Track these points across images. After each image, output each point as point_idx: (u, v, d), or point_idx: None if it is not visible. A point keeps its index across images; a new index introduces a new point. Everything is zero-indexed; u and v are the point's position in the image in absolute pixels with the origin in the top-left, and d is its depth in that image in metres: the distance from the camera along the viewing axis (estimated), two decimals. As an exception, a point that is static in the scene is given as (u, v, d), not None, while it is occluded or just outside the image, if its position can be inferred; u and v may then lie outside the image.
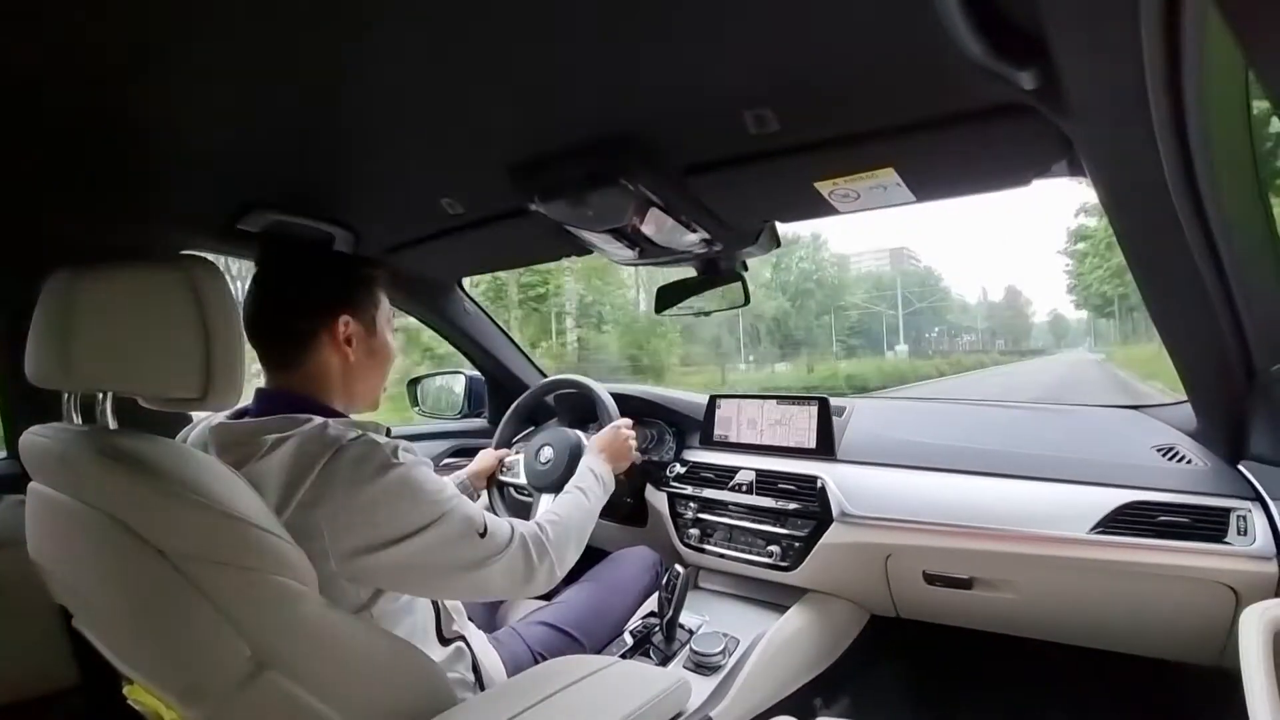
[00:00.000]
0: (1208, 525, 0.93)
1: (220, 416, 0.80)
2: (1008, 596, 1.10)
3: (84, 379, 0.66)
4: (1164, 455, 1.05)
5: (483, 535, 0.78)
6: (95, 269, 0.64)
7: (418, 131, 0.85)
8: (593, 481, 1.08)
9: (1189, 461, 1.03)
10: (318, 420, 0.73)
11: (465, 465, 1.59)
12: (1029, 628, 1.17)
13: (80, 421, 0.78)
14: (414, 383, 1.92)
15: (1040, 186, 0.87)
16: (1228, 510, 0.93)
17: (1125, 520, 0.97)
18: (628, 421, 1.30)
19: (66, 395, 0.79)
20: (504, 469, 1.45)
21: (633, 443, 1.27)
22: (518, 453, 1.45)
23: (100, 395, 0.73)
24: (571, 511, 0.96)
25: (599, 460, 1.15)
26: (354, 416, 0.85)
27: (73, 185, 0.95)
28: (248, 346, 0.77)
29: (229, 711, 0.63)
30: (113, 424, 0.73)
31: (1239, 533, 0.91)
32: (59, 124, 0.77)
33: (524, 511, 1.39)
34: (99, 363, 0.63)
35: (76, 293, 0.63)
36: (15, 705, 1.01)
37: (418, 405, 1.91)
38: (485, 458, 1.45)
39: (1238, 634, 0.57)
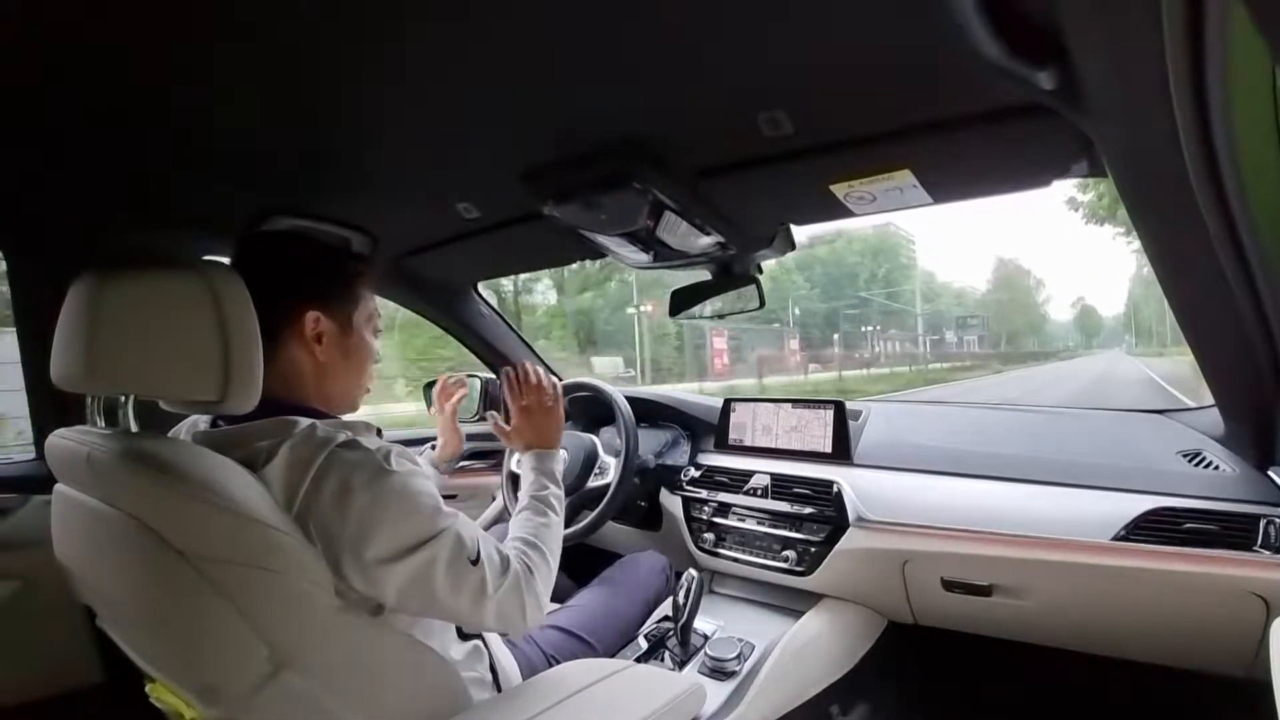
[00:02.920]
0: (1236, 533, 0.90)
1: (202, 423, 0.79)
2: (1028, 604, 1.08)
3: (107, 382, 0.67)
4: (1190, 461, 1.03)
5: (474, 563, 0.72)
6: (118, 274, 0.65)
7: (434, 137, 0.86)
8: (547, 485, 0.96)
9: (1216, 467, 1.00)
10: (305, 423, 0.70)
11: (480, 468, 1.57)
12: (1050, 636, 1.15)
13: (103, 423, 0.80)
14: (429, 386, 1.93)
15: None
16: (1257, 517, 0.90)
17: (1150, 527, 0.95)
18: (527, 366, 1.09)
19: (90, 398, 0.81)
20: (521, 463, 1.44)
21: (543, 379, 1.07)
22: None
23: (122, 398, 0.75)
24: (540, 538, 0.87)
25: (534, 456, 1.00)
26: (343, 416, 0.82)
27: (97, 191, 0.98)
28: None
29: (247, 711, 0.64)
30: (134, 426, 0.74)
31: (1269, 540, 0.88)
32: (84, 131, 0.79)
33: None
34: (122, 366, 0.64)
35: (100, 297, 0.64)
36: (42, 702, 1.03)
37: (432, 408, 1.92)
38: (448, 434, 1.34)
39: (1269, 645, 0.56)
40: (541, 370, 1.08)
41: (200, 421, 0.80)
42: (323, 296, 0.79)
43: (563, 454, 1.02)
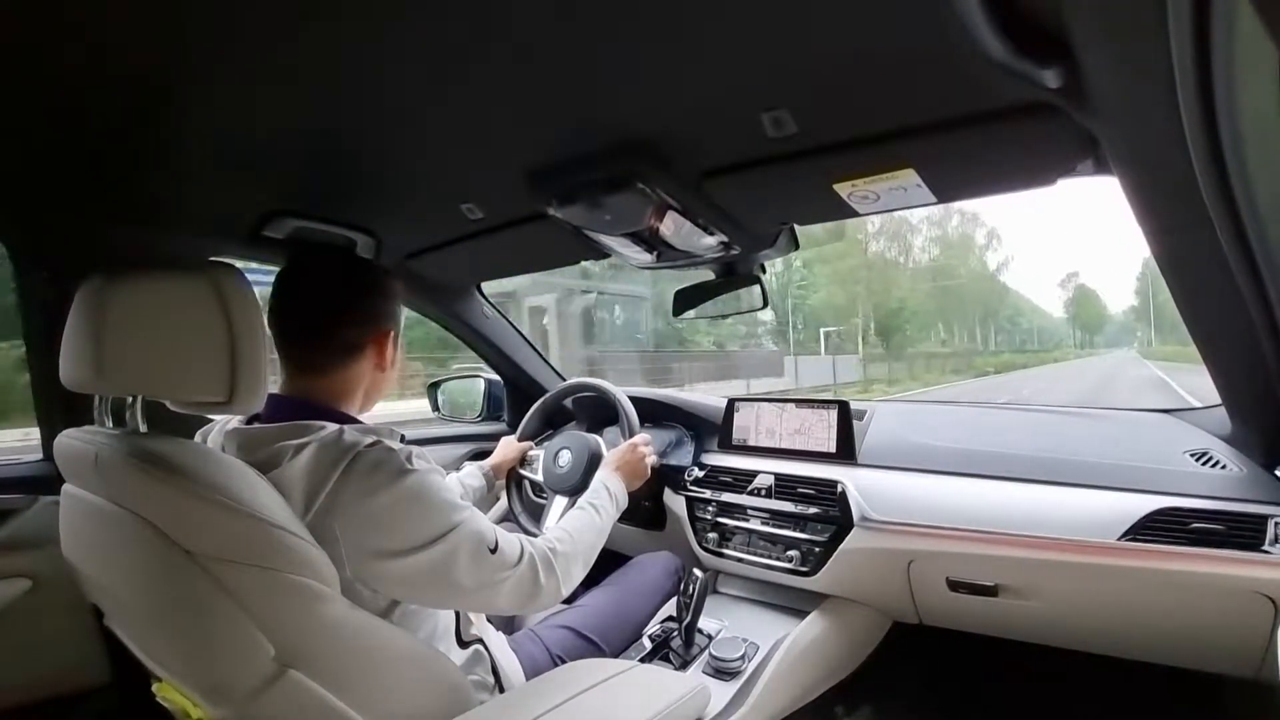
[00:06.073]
0: (1244, 533, 0.90)
1: (236, 421, 0.81)
2: (1034, 604, 1.08)
3: (115, 383, 0.67)
4: (1197, 460, 1.02)
5: (493, 551, 0.78)
6: (126, 275, 0.66)
7: (439, 139, 0.86)
8: (606, 499, 1.07)
9: (1224, 467, 1.00)
10: (332, 427, 0.74)
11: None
12: (1056, 636, 1.14)
13: (111, 424, 0.80)
14: (434, 386, 1.94)
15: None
16: (1265, 517, 0.90)
17: (1157, 527, 0.94)
18: (645, 438, 1.29)
19: (98, 399, 0.81)
20: (525, 463, 1.46)
21: (650, 459, 1.26)
22: (540, 447, 1.45)
23: (130, 399, 0.75)
24: (583, 531, 0.96)
25: (615, 477, 1.14)
26: (365, 419, 0.85)
27: (104, 193, 0.98)
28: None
29: (253, 710, 0.64)
30: (143, 427, 0.75)
31: (1277, 541, 0.88)
32: (91, 133, 0.80)
33: (538, 511, 1.40)
34: (130, 367, 0.65)
35: (108, 299, 0.64)
36: (50, 701, 1.04)
37: (438, 409, 1.93)
38: (509, 448, 1.45)
39: (1277, 645, 0.55)
40: (651, 449, 1.28)
41: (234, 420, 0.82)
42: (395, 318, 0.88)
43: (612, 486, 1.14)
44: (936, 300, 43.24)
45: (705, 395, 1.69)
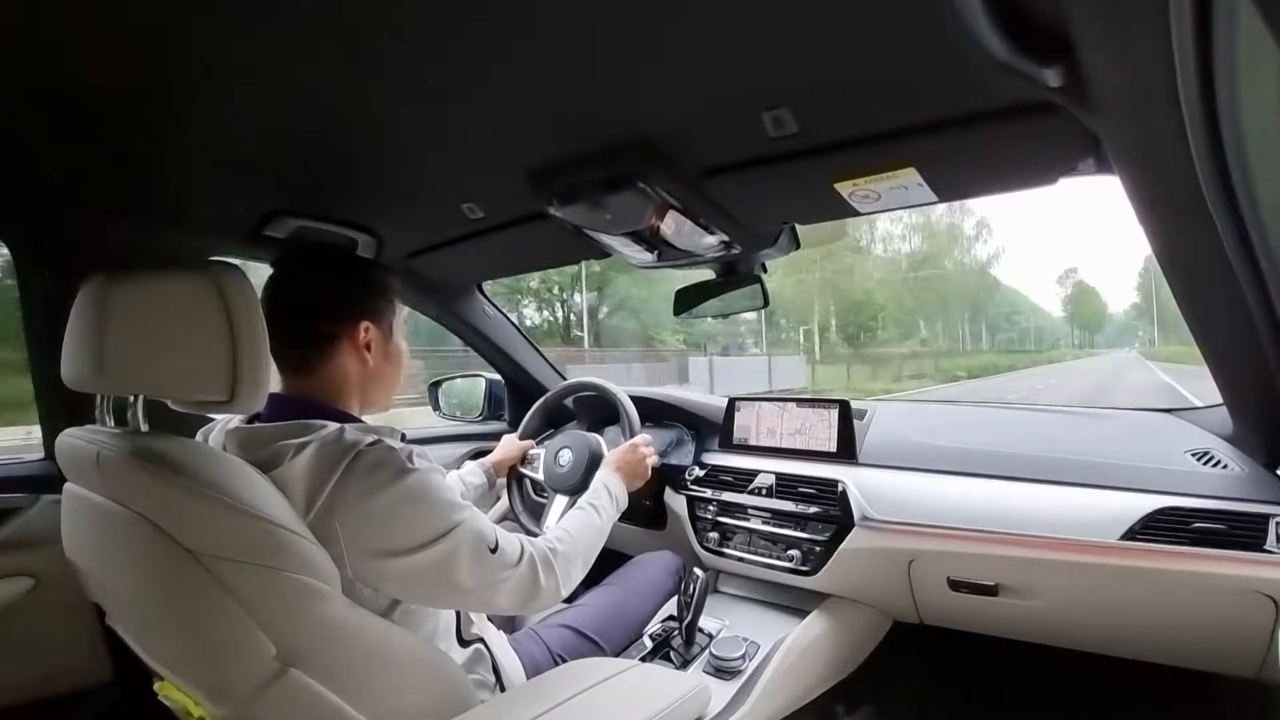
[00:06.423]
0: (1245, 532, 0.90)
1: (237, 420, 0.81)
2: (1035, 604, 1.08)
3: (117, 382, 0.68)
4: (1199, 460, 1.02)
5: (494, 551, 0.78)
6: (127, 274, 0.66)
7: (440, 138, 0.86)
8: (606, 500, 1.07)
9: (1225, 466, 1.00)
10: (333, 426, 0.74)
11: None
12: (1057, 636, 1.14)
13: (113, 423, 0.81)
14: (435, 385, 1.94)
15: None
16: (1266, 517, 0.90)
17: (1158, 527, 0.94)
18: (646, 438, 1.29)
19: (100, 398, 0.82)
20: (526, 461, 1.46)
21: (651, 459, 1.26)
22: (541, 446, 1.46)
23: (132, 398, 0.75)
24: (583, 531, 0.96)
25: (615, 478, 1.14)
26: (368, 419, 0.85)
27: (107, 192, 0.98)
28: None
29: (254, 708, 0.64)
30: (144, 426, 0.75)
31: (1278, 541, 0.88)
32: (94, 131, 0.80)
33: (539, 510, 1.40)
34: (131, 366, 0.65)
35: (110, 298, 0.65)
36: (52, 699, 1.04)
37: (439, 409, 1.93)
38: (510, 446, 1.45)
39: (1278, 645, 0.55)
40: (652, 450, 1.28)
41: (235, 419, 0.82)
42: (372, 307, 0.86)
43: (610, 484, 1.14)
44: (915, 294, 38.62)
45: (706, 395, 1.69)
